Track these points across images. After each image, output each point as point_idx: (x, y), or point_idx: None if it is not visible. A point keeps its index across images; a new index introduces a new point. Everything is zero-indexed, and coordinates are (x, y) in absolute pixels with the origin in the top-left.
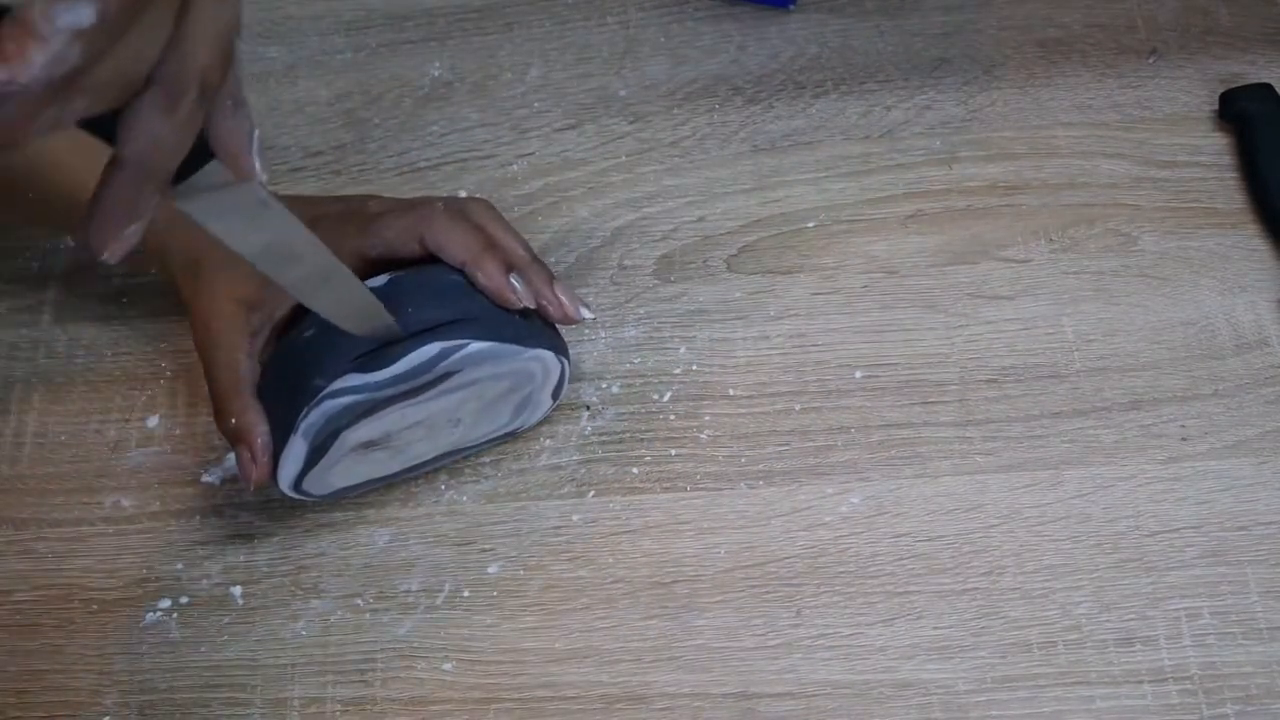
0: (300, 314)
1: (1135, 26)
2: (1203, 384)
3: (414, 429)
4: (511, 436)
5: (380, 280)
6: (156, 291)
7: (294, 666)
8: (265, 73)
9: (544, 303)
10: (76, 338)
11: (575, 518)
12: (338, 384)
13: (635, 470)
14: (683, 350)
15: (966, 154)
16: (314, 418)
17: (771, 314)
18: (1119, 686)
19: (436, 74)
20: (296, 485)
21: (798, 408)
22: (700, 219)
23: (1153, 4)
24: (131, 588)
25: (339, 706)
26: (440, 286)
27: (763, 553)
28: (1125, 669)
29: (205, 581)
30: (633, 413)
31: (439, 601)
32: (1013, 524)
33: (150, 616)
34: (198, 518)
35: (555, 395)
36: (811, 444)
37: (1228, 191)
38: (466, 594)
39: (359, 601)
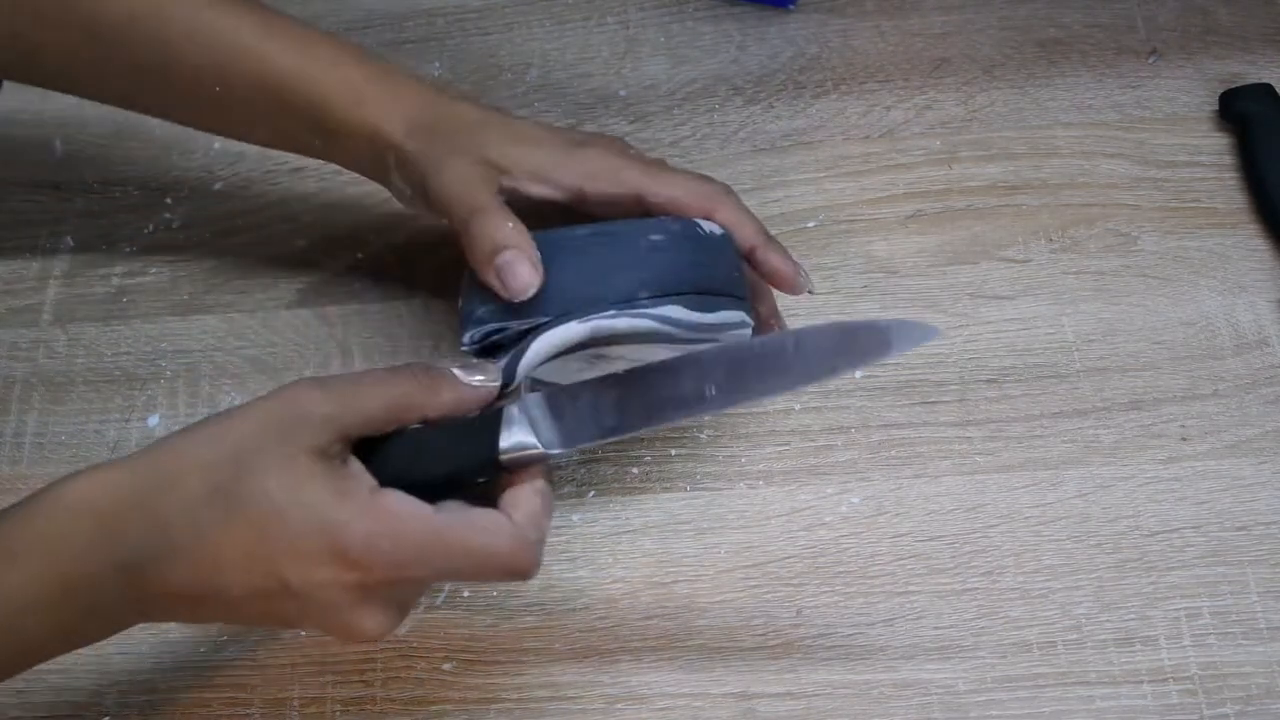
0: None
1: (1135, 26)
2: (1203, 384)
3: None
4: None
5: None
6: (156, 291)
7: (294, 666)
8: None
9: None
10: (76, 338)
11: (575, 518)
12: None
13: (635, 470)
14: None
15: (966, 154)
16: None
17: None
18: (1119, 686)
19: (436, 74)
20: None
21: (797, 408)
22: None
23: (1153, 4)
24: None
25: (339, 706)
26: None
27: (763, 553)
28: (1125, 669)
29: None
30: None
31: (439, 601)
32: (1013, 524)
33: None
34: None
35: None
36: (811, 444)
37: (1228, 191)
38: (466, 594)
39: None
